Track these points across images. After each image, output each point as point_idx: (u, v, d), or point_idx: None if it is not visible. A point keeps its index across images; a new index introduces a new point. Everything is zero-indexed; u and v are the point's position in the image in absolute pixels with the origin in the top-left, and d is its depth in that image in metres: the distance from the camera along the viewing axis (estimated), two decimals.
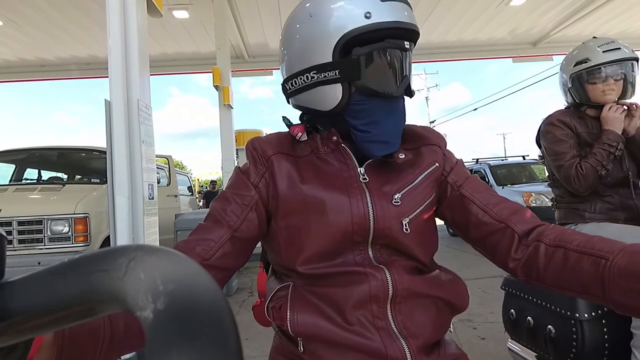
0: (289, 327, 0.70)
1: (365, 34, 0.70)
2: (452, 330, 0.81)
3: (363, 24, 0.69)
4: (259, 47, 8.13)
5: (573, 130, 1.60)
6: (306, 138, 0.80)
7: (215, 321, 0.19)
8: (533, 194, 6.08)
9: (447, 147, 0.85)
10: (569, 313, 1.33)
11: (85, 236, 3.69)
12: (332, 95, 0.74)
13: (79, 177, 5.04)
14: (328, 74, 0.73)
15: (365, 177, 0.76)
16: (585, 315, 1.30)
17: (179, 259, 0.21)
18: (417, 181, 0.77)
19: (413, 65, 0.79)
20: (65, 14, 6.35)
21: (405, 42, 0.74)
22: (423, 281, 0.74)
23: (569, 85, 1.62)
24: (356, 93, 0.74)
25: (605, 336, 1.30)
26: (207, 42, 7.46)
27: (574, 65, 1.58)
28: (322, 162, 0.78)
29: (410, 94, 0.79)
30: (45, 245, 3.58)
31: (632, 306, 0.55)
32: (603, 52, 1.51)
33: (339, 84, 0.73)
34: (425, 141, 0.83)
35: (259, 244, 0.84)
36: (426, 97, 29.61)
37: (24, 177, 4.80)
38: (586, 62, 1.54)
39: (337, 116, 0.76)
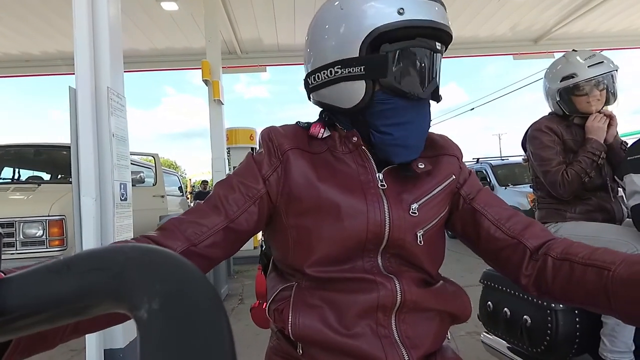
0: (290, 331, 0.69)
1: (396, 30, 0.67)
2: (449, 338, 0.81)
3: (395, 20, 0.66)
4: (252, 43, 7.88)
5: (560, 137, 1.67)
6: (328, 134, 0.77)
7: (210, 322, 0.19)
8: None
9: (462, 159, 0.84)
10: (545, 303, 1.42)
11: (62, 240, 3.41)
12: (355, 92, 0.71)
13: (62, 176, 4.75)
14: (352, 70, 0.70)
15: (384, 183, 0.73)
16: (560, 305, 1.39)
17: (174, 259, 0.22)
18: (434, 192, 0.76)
19: None
20: (50, 5, 6.05)
21: (437, 44, 0.72)
22: (429, 294, 0.74)
23: (557, 99, 1.69)
24: (380, 92, 0.71)
25: (577, 325, 1.40)
26: (198, 36, 7.19)
27: (561, 80, 1.65)
28: (338, 162, 0.75)
29: (438, 98, 0.76)
30: (17, 250, 3.32)
31: (638, 316, 0.55)
32: (588, 66, 1.60)
33: (363, 81, 0.70)
34: (444, 151, 0.81)
35: (257, 245, 0.76)
36: None
37: (0, 176, 4.50)
38: (573, 77, 1.61)
39: (358, 115, 0.74)
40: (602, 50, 9.43)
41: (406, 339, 0.70)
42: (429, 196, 0.75)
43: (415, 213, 0.72)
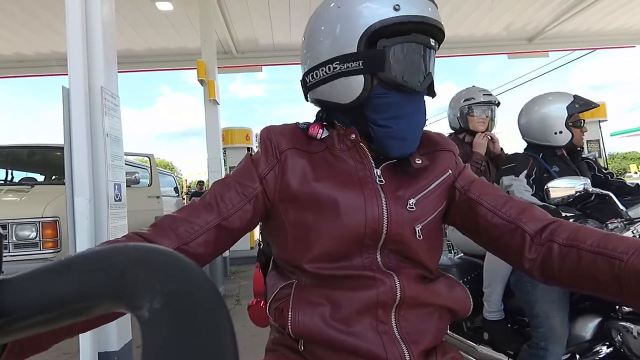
0: (290, 329, 0.70)
1: (392, 26, 0.69)
2: (449, 333, 0.81)
3: (391, 16, 0.69)
4: (248, 43, 7.82)
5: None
6: (327, 134, 0.78)
7: (212, 320, 0.19)
8: None
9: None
10: None
11: (55, 242, 3.38)
12: (354, 86, 0.73)
13: (55, 177, 4.70)
14: (351, 65, 0.71)
15: (382, 179, 0.75)
16: (459, 281, 1.67)
17: (175, 258, 0.22)
18: (431, 187, 0.77)
19: None
20: (43, 5, 5.98)
21: (431, 40, 0.74)
22: (429, 290, 0.75)
23: (458, 115, 2.26)
24: (378, 86, 0.73)
25: (470, 295, 1.66)
26: (193, 36, 7.14)
27: (463, 101, 2.24)
28: (336, 159, 0.76)
29: (433, 93, 0.79)
30: (10, 252, 3.28)
31: None
32: (483, 95, 2.21)
33: (361, 75, 0.72)
34: (440, 146, 0.83)
35: (253, 246, 0.80)
36: None
37: None
38: (471, 99, 2.22)
39: (356, 110, 0.75)
40: (596, 48, 9.46)
41: (406, 335, 0.71)
42: (426, 191, 0.76)
43: (413, 208, 0.74)
